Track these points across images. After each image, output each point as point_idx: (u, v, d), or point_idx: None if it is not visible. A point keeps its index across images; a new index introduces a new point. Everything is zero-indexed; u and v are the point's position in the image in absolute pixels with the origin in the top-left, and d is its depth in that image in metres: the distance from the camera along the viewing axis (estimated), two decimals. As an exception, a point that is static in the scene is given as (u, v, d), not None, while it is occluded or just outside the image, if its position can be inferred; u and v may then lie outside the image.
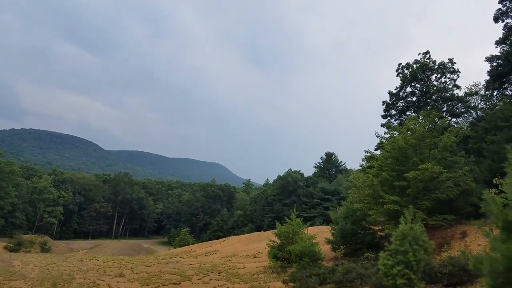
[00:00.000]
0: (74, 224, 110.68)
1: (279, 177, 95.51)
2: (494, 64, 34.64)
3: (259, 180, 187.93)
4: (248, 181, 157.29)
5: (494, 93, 37.60)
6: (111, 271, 26.32)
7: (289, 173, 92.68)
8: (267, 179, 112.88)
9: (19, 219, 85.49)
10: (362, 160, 30.18)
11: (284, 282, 17.71)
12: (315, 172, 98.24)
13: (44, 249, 69.04)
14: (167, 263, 32.53)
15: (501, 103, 35.01)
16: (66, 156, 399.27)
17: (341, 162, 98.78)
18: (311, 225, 38.91)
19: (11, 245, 64.55)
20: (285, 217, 27.32)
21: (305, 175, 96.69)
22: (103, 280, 21.49)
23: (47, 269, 27.31)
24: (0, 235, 78.29)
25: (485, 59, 35.48)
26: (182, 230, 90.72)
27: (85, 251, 68.92)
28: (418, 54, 41.74)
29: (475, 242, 18.35)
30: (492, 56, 34.74)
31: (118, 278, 22.89)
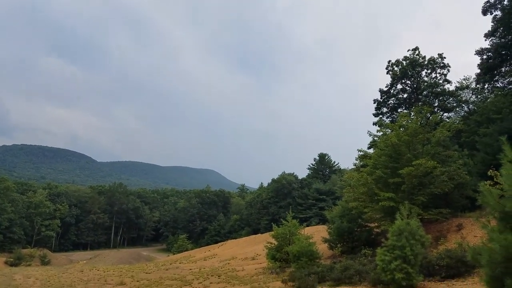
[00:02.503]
0: (72, 236, 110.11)
1: (273, 180, 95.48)
2: (484, 57, 34.79)
3: (253, 184, 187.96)
4: (243, 185, 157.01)
5: (485, 86, 37.86)
6: (112, 280, 26.15)
7: (283, 176, 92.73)
8: (262, 183, 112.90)
9: (17, 234, 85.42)
10: (356, 159, 30.39)
11: (283, 281, 17.72)
12: (309, 174, 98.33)
13: (44, 262, 68.69)
14: (167, 270, 32.38)
15: (492, 95, 35.30)
16: (60, 170, 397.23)
17: (334, 162, 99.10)
18: (307, 226, 38.96)
19: (11, 259, 64.20)
20: (281, 219, 27.34)
21: (299, 177, 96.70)
22: (104, 290, 21.38)
23: (49, 281, 27.07)
24: (-1, 250, 78.15)
25: (475, 53, 35.68)
26: (180, 237, 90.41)
27: (84, 262, 68.45)
28: (408, 51, 42.08)
29: (471, 234, 18.50)
30: (482, 49, 34.92)
31: (119, 287, 22.78)
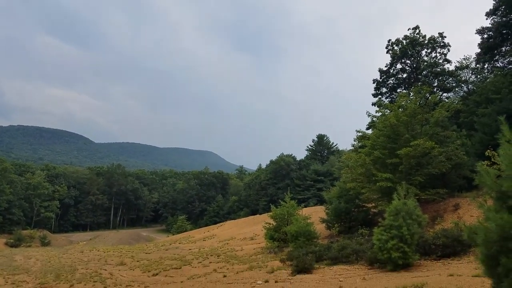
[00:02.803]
0: (72, 217, 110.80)
1: (271, 161, 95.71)
2: (485, 36, 34.40)
3: (251, 165, 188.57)
4: (241, 167, 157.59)
5: (485, 66, 37.55)
6: (112, 260, 26.51)
7: (282, 157, 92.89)
8: (260, 165, 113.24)
9: (17, 215, 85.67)
10: (354, 140, 30.37)
11: (281, 261, 17.95)
12: (307, 155, 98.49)
13: (44, 243, 69.37)
14: (166, 250, 32.81)
15: (492, 75, 35.04)
16: (57, 151, 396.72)
17: (333, 143, 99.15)
18: (305, 207, 39.23)
19: (11, 240, 64.67)
20: (280, 200, 27.56)
21: (298, 158, 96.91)
22: (105, 269, 21.66)
23: (49, 262, 27.45)
24: (-1, 231, 78.65)
25: (475, 32, 35.26)
26: (179, 218, 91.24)
27: (84, 242, 69.22)
28: (408, 30, 41.60)
29: (467, 214, 18.65)
30: (483, 28, 34.45)
31: (120, 267, 23.07)
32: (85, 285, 16.02)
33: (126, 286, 15.18)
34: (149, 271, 20.16)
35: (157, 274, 19.19)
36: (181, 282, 15.69)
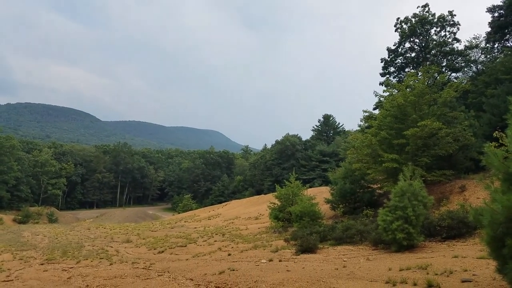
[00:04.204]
0: (79, 195, 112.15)
1: (277, 142, 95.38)
2: (496, 14, 33.60)
3: (257, 145, 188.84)
4: (246, 147, 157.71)
5: (495, 45, 36.78)
6: (118, 237, 26.88)
7: (287, 138, 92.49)
8: (265, 144, 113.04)
9: (24, 192, 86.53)
10: (361, 121, 30.12)
11: (286, 240, 18.08)
12: (313, 135, 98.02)
13: (52, 219, 70.23)
14: (172, 228, 33.22)
15: (502, 55, 34.35)
16: (64, 129, 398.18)
17: (339, 123, 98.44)
18: (310, 187, 39.36)
19: (19, 217, 65.42)
20: (285, 181, 27.61)
21: (303, 139, 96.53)
22: (111, 247, 21.96)
23: (56, 238, 27.88)
24: (7, 208, 79.51)
25: (486, 10, 34.48)
26: (185, 196, 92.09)
27: (91, 220, 70.19)
28: (417, 8, 40.66)
29: (474, 196, 18.54)
30: (494, 6, 33.63)
31: (126, 244, 23.39)
32: (91, 261, 16.24)
33: (132, 263, 15.37)
34: (154, 249, 20.42)
35: (162, 251, 19.44)
36: (186, 259, 15.86)
